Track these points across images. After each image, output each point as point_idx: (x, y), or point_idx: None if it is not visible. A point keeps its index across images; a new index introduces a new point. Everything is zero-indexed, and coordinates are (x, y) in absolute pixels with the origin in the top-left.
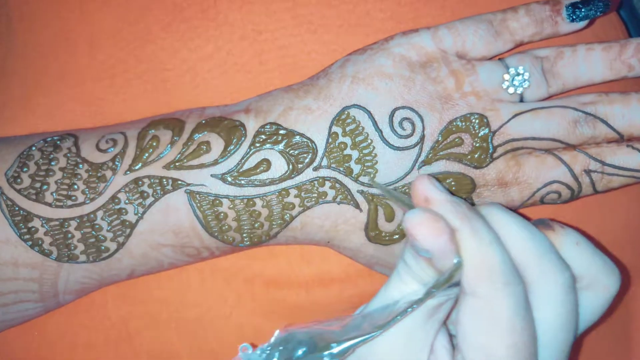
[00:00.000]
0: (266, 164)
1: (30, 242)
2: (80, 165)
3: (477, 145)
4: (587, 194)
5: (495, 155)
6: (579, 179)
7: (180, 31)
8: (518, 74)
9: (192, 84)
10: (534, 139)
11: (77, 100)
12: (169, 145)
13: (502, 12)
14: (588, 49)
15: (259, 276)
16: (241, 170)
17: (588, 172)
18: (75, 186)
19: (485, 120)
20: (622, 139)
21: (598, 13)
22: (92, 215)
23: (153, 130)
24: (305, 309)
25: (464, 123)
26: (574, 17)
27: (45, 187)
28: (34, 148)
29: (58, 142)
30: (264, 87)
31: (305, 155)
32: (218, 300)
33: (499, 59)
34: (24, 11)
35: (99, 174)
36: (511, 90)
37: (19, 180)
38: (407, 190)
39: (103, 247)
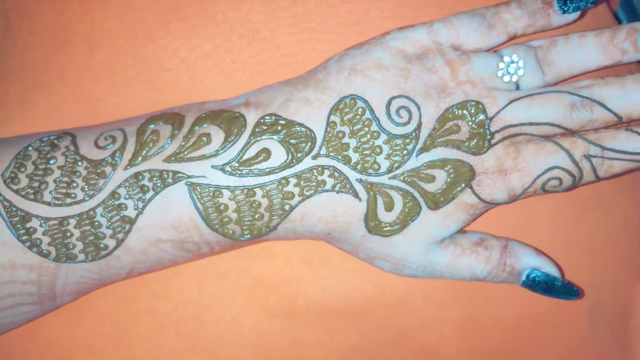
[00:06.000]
0: (266, 153)
1: (28, 243)
2: (80, 163)
3: (474, 131)
4: (589, 181)
5: (493, 141)
6: (579, 164)
7: (180, 30)
8: (512, 62)
9: (191, 83)
10: (531, 124)
11: (76, 99)
12: (169, 139)
13: (495, 5)
14: (581, 35)
15: (258, 277)
16: (241, 160)
17: (588, 157)
18: (75, 184)
19: (481, 106)
20: (621, 122)
21: (589, 4)
22: (91, 212)
23: (152, 125)
24: (305, 310)
25: (460, 110)
26: (565, 8)
27: (43, 186)
28: (30, 148)
29: (55, 141)
30: (263, 85)
31: (304, 144)
32: (217, 301)
33: (494, 51)
34: (23, 11)
35: (98, 170)
36: (506, 78)
37: (16, 180)
38: (407, 179)
39: (102, 245)
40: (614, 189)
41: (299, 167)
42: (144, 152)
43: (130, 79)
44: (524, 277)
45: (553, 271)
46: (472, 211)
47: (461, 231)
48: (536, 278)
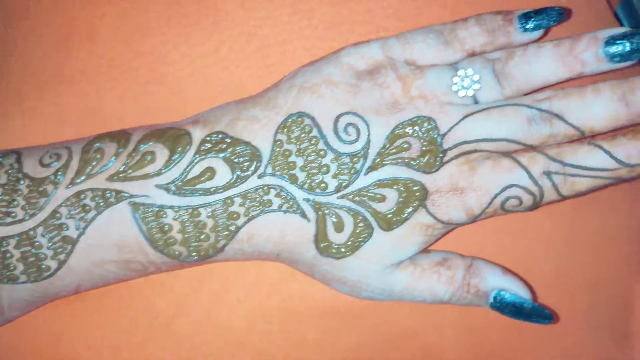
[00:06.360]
0: (210, 172)
1: None
2: (22, 181)
3: (425, 148)
4: (553, 200)
5: (445, 159)
6: (538, 182)
7: (181, 26)
8: (467, 76)
9: (191, 78)
10: (486, 140)
11: (76, 98)
12: (114, 157)
13: (453, 22)
14: (539, 46)
15: (258, 277)
16: (185, 179)
17: (548, 174)
18: (15, 202)
19: (433, 123)
20: (585, 136)
21: (551, 22)
22: (31, 232)
23: (98, 144)
24: (305, 310)
25: (411, 127)
26: (527, 26)
27: None
28: None
29: (0, 160)
30: (263, 82)
31: (249, 163)
32: (216, 301)
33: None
34: (24, 9)
35: (40, 189)
36: (462, 93)
37: None
38: (356, 199)
39: (44, 266)
40: (614, 186)
41: (244, 187)
42: (88, 170)
43: (131, 76)
44: (491, 299)
45: (522, 292)
46: (430, 232)
47: (424, 251)
48: (503, 300)
